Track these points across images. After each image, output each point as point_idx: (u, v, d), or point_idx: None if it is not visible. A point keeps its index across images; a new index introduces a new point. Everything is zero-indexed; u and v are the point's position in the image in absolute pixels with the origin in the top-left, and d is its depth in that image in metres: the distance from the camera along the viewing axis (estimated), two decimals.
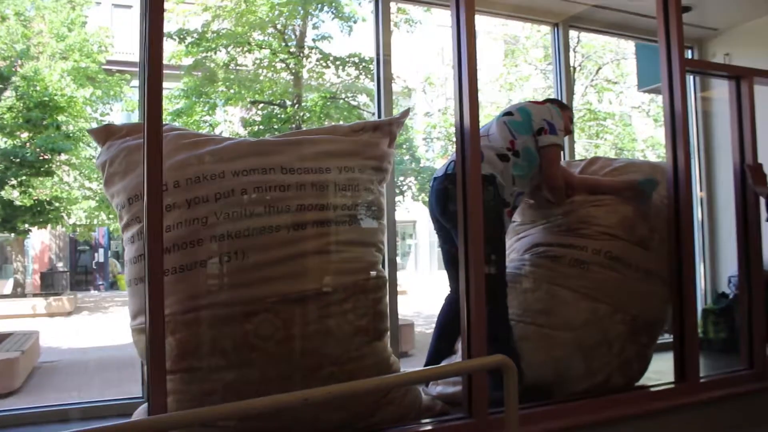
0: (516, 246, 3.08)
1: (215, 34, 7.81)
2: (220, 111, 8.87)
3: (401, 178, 10.11)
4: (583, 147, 11.63)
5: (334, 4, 8.28)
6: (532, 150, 2.83)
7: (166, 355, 2.14)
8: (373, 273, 2.46)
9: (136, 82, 9.74)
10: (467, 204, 2.47)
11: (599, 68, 11.69)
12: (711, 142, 4.52)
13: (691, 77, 4.40)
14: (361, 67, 8.32)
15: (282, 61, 8.20)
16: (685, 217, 2.98)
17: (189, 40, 7.65)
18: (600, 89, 11.73)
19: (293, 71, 8.34)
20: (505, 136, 2.82)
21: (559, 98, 4.01)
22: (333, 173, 2.42)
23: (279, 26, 8.21)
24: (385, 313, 2.49)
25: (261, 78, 8.49)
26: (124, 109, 8.79)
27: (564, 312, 2.77)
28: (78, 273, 15.31)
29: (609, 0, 3.87)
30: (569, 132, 3.19)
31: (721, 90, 3.83)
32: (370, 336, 2.38)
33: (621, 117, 11.96)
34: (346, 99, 8.50)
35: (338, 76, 8.41)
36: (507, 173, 2.75)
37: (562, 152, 2.94)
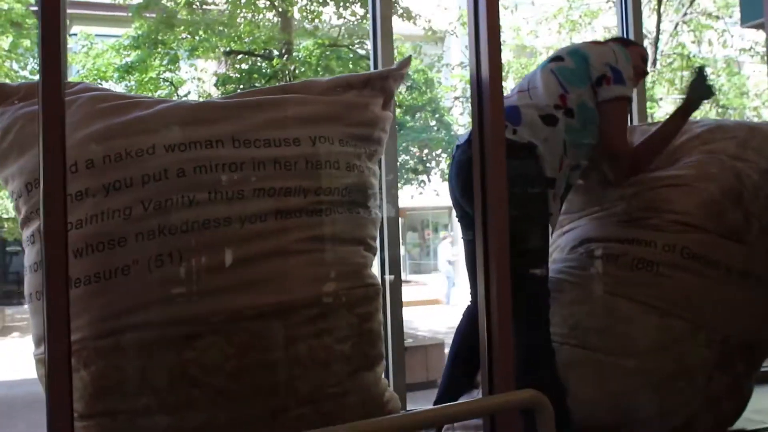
0: (559, 242, 3.02)
1: None
2: (186, 65, 8.87)
3: (425, 151, 10.06)
4: (674, 104, 11.41)
5: None
6: (591, 106, 2.77)
7: (76, 396, 2.13)
8: (360, 279, 2.42)
9: (77, 28, 9.76)
10: (486, 181, 2.40)
11: None
12: None
13: None
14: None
15: None
16: None
17: None
18: (696, 26, 11.50)
19: (280, 11, 8.29)
20: (552, 89, 2.76)
21: (625, 36, 3.91)
22: (303, 145, 2.38)
23: None
24: (377, 334, 2.46)
25: (239, 21, 8.45)
26: None
27: (625, 331, 2.70)
28: (7, 282, 15.51)
29: None
30: (643, 74, 3.11)
31: None
32: (355, 365, 2.35)
33: (726, 63, 11.68)
34: (351, 47, 8.44)
35: (340, 17, 8.35)
36: (554, 141, 2.68)
37: (629, 108, 2.87)
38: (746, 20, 5.22)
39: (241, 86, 8.32)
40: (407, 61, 2.74)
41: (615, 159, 2.86)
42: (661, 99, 10.91)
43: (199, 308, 2.19)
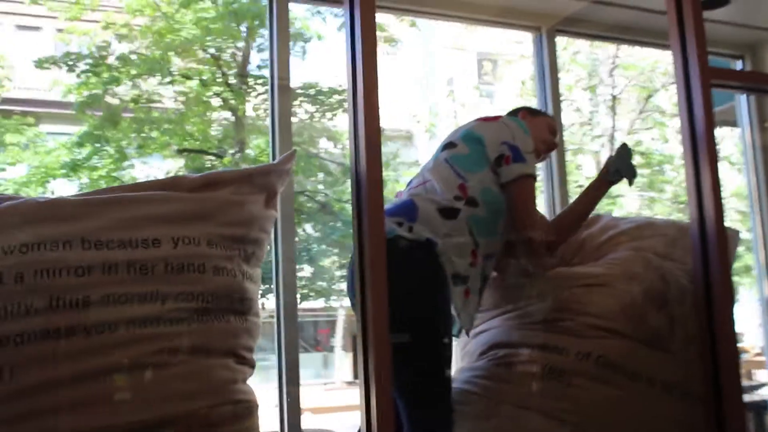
0: (470, 347, 2.77)
1: (122, 61, 7.70)
2: (145, 164, 8.70)
3: None
4: (633, 203, 11.31)
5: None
6: (495, 190, 2.55)
7: None
8: (226, 396, 2.16)
9: (46, 127, 9.64)
10: (366, 288, 2.17)
11: (649, 96, 11.50)
12: None
13: (744, 97, 4.14)
14: (320, 100, 8.18)
15: (217, 95, 8.07)
16: (721, 298, 2.64)
17: (82, 67, 7.53)
18: (655, 124, 11.51)
19: (233, 108, 8.20)
20: (449, 180, 2.53)
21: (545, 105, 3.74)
22: (164, 247, 2.16)
23: (212, 50, 8.09)
24: None
25: (194, 119, 8.34)
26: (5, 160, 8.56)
27: None
28: None
29: None
30: (553, 146, 2.91)
31: None
32: None
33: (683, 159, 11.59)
34: (301, 145, 8.32)
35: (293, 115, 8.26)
36: (459, 234, 2.45)
37: (534, 185, 2.63)
38: None
39: None
40: (291, 156, 2.56)
41: (529, 241, 2.63)
42: (622, 196, 10.82)
43: (32, 430, 1.92)
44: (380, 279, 2.17)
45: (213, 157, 8.43)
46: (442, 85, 15.57)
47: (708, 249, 2.70)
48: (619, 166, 2.78)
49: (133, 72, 7.71)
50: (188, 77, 8.06)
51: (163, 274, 2.12)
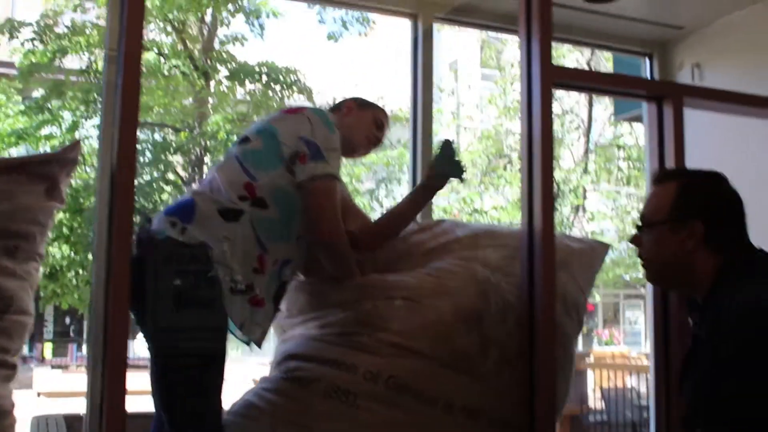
0: (276, 356, 2.61)
1: (71, 29, 7.54)
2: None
3: None
4: (603, 195, 11.10)
5: None
6: (290, 191, 2.36)
7: None
8: None
9: None
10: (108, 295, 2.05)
11: None
12: None
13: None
14: (273, 78, 7.99)
15: (176, 68, 7.90)
16: (544, 318, 2.47)
17: (27, 35, 7.38)
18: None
19: (193, 84, 8.04)
20: (234, 178, 2.34)
21: (414, 122, 3.53)
22: None
23: (174, 22, 7.91)
24: None
25: (158, 92, 8.18)
26: None
27: None
28: None
29: None
30: (377, 142, 2.74)
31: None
32: None
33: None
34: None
35: (248, 93, 8.08)
36: (241, 239, 2.28)
37: (335, 187, 2.41)
38: (619, 112, 5.07)
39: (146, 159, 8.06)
40: (75, 144, 2.44)
41: (324, 249, 2.46)
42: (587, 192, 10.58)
43: None
44: (122, 285, 2.05)
45: (172, 131, 8.33)
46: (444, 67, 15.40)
47: (533, 262, 2.53)
48: (444, 168, 2.61)
49: (86, 42, 7.54)
50: (146, 49, 7.93)
51: None
